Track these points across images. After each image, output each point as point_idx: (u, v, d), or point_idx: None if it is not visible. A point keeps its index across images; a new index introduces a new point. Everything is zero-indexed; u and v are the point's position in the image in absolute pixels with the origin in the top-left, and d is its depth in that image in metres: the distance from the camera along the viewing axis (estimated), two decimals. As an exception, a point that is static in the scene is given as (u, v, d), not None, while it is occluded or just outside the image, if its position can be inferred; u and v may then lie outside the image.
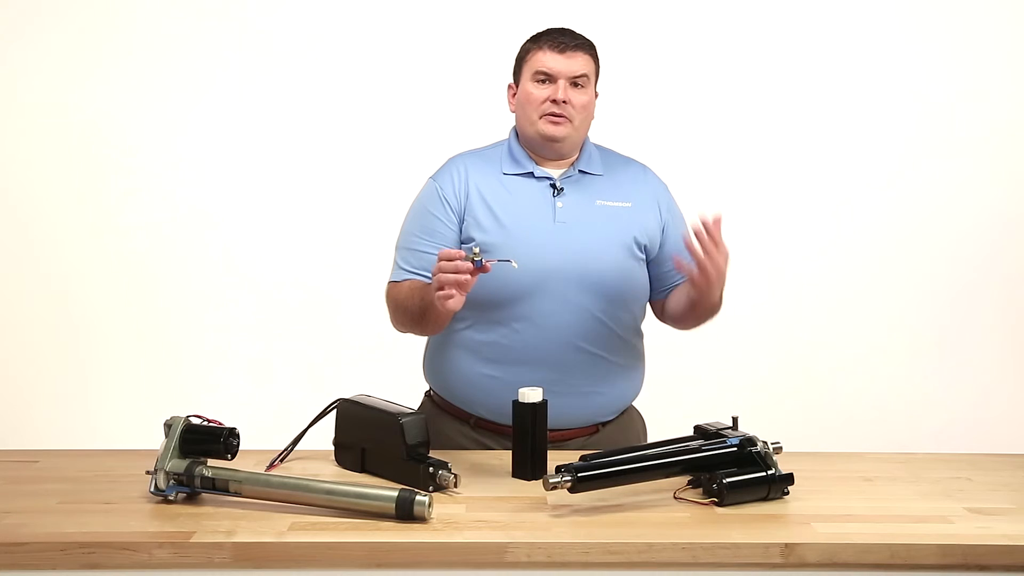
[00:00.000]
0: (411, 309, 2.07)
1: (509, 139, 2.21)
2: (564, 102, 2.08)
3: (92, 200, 3.63)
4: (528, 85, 2.12)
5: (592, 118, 2.18)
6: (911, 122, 3.65)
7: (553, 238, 2.10)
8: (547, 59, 2.10)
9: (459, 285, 1.82)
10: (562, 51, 2.10)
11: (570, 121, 2.10)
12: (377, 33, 3.61)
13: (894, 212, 3.67)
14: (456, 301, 1.83)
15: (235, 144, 3.64)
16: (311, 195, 3.65)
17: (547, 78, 2.10)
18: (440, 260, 1.84)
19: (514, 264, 1.91)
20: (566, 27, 2.16)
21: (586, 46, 2.13)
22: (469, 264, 1.81)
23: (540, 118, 2.10)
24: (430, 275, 1.92)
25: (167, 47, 3.59)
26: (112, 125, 3.60)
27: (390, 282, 2.15)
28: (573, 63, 2.10)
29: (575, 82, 2.10)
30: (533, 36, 2.16)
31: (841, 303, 3.69)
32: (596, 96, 2.18)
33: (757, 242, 3.67)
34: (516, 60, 2.18)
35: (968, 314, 3.67)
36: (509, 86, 2.21)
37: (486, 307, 2.07)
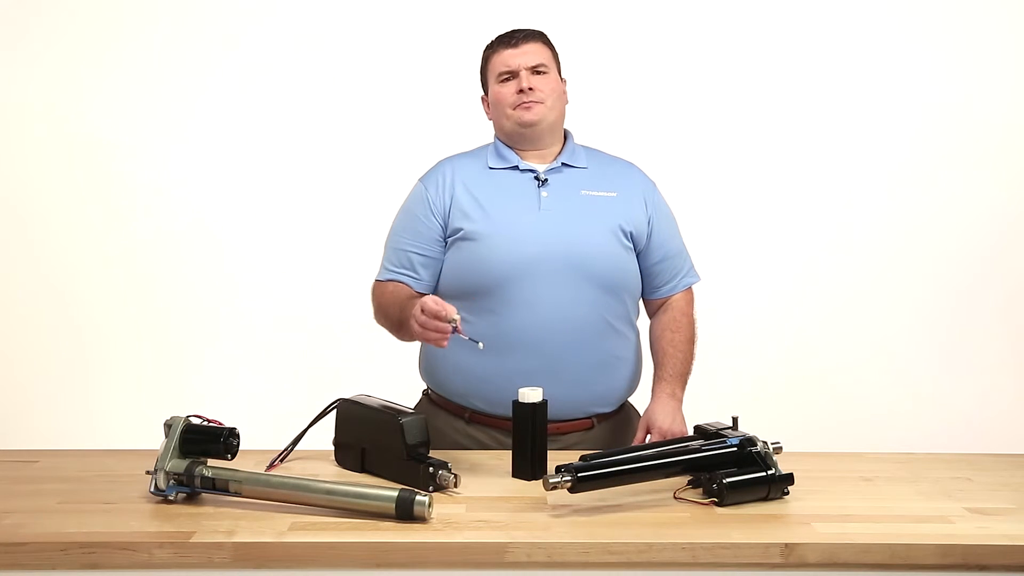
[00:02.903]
0: (390, 317, 2.14)
1: (494, 141, 2.27)
2: (530, 88, 2.16)
3: (92, 200, 3.64)
4: (495, 88, 2.21)
5: (565, 101, 2.25)
6: (913, 123, 3.65)
7: (538, 224, 2.13)
8: (504, 57, 2.20)
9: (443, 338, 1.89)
10: (515, 45, 2.20)
11: (541, 103, 2.17)
12: (372, 39, 3.63)
13: (895, 213, 3.67)
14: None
15: (234, 147, 3.65)
16: (310, 196, 3.66)
17: (509, 74, 2.18)
18: (427, 313, 1.88)
19: (480, 345, 1.94)
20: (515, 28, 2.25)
21: (536, 35, 2.23)
22: (448, 326, 1.87)
23: (514, 110, 2.17)
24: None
25: (165, 55, 3.61)
26: (112, 126, 3.61)
27: (376, 280, 2.21)
28: (528, 54, 2.19)
29: (535, 70, 2.18)
30: (487, 46, 2.26)
31: (841, 303, 3.69)
32: (564, 82, 2.25)
33: (758, 242, 3.68)
34: (480, 74, 2.28)
35: (968, 314, 3.67)
36: (482, 98, 2.29)
37: (476, 295, 2.09)
